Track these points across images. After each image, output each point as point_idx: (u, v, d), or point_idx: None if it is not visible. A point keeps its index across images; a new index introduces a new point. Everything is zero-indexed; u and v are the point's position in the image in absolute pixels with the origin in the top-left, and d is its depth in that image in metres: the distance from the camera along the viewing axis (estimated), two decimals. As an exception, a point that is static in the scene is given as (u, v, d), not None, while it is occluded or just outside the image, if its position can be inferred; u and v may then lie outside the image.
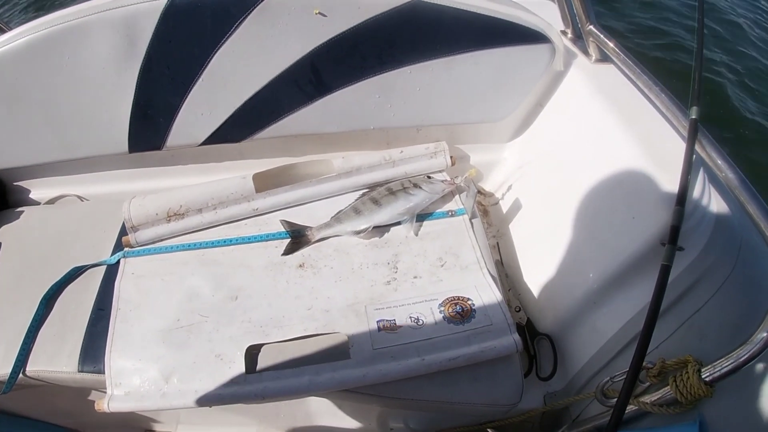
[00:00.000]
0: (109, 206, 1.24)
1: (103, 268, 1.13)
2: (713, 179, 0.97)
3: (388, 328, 0.97)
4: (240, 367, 0.94)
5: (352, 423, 1.24)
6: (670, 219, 0.87)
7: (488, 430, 1.12)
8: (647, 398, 0.87)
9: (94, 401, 0.94)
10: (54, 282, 1.09)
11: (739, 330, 0.82)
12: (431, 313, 1.00)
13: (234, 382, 0.93)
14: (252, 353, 0.96)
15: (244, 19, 1.07)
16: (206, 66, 1.12)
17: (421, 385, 0.96)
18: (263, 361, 0.96)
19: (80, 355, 0.99)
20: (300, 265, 1.09)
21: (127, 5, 1.05)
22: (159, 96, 1.15)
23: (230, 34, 1.08)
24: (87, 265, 1.13)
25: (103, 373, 0.96)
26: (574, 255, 1.14)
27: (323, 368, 0.93)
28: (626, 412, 0.89)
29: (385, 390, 0.96)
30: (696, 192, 0.94)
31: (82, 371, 0.98)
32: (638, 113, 1.11)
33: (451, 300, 1.03)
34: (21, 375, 0.97)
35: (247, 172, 1.17)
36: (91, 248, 1.17)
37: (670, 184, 0.93)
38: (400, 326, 0.98)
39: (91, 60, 1.10)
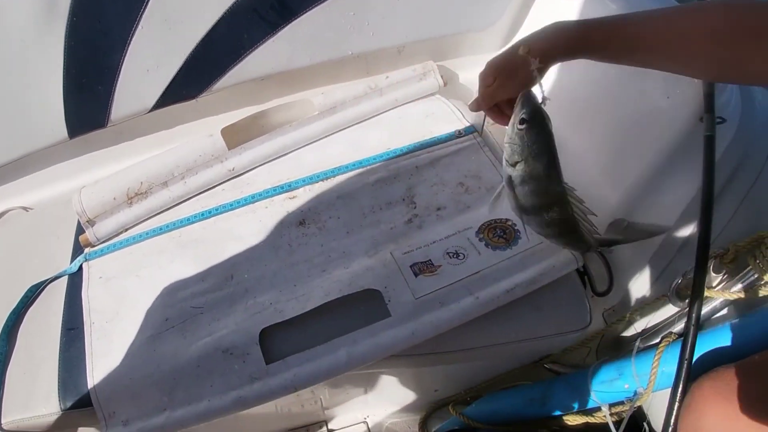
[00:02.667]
0: (57, 209, 0.97)
1: (65, 279, 0.86)
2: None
3: (427, 271, 0.74)
4: (257, 359, 0.70)
5: (390, 390, 1.02)
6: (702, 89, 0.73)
7: (544, 366, 0.92)
8: (728, 287, 0.73)
9: (90, 440, 0.71)
10: (11, 310, 0.82)
11: None
12: (470, 245, 0.77)
13: (254, 378, 0.69)
14: (268, 338, 0.72)
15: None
16: (144, 8, 0.85)
17: (477, 330, 0.74)
18: (285, 343, 0.72)
19: (59, 390, 0.74)
20: (300, 223, 0.83)
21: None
22: (93, 58, 0.88)
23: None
24: (45, 281, 0.86)
25: (91, 405, 0.71)
26: (603, 155, 0.93)
27: (360, 335, 0.70)
28: (712, 307, 0.76)
29: (438, 346, 0.74)
30: None
31: (66, 409, 0.73)
32: None
33: (489, 225, 0.80)
34: (-3, 430, 0.74)
35: (212, 130, 0.90)
36: (48, 261, 0.90)
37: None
38: (439, 266, 0.75)
39: (6, 36, 0.85)
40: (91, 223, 0.86)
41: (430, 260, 0.75)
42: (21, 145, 0.95)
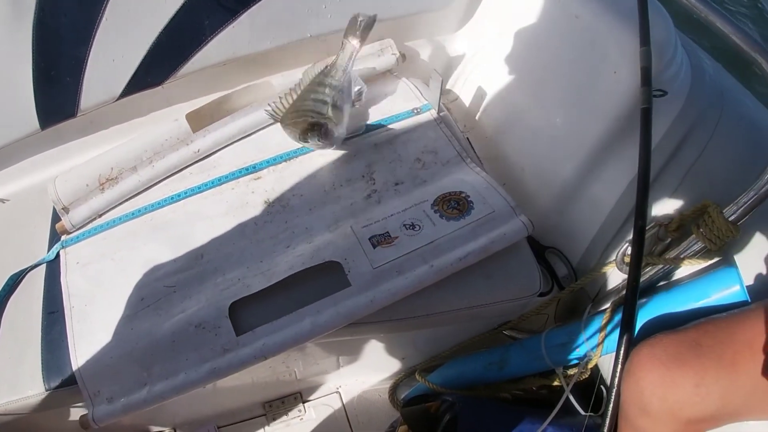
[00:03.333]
0: (33, 199, 1.00)
1: (43, 267, 0.90)
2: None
3: (384, 243, 0.79)
4: (228, 331, 0.75)
5: (361, 361, 1.07)
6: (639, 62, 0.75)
7: (504, 333, 0.97)
8: (673, 254, 0.76)
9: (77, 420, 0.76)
10: (-6, 299, 0.86)
11: (746, 166, 0.74)
12: (426, 216, 0.82)
13: (226, 349, 0.74)
14: (238, 311, 0.76)
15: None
16: (107, 2, 0.87)
17: (433, 297, 0.80)
18: (253, 316, 0.77)
19: (43, 371, 0.78)
20: (264, 202, 0.88)
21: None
22: (61, 51, 0.91)
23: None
24: (24, 270, 0.90)
25: (76, 384, 0.76)
26: (555, 129, 0.97)
27: (323, 304, 0.75)
28: (654, 273, 0.80)
29: (395, 313, 0.79)
30: (666, 36, 0.81)
31: (50, 389, 0.77)
32: None
33: (443, 197, 0.84)
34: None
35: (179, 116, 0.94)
36: (25, 251, 0.93)
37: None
38: (396, 237, 0.80)
39: None
40: (66, 210, 0.90)
41: (387, 232, 0.80)
42: None
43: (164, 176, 0.93)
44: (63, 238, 0.91)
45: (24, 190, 1.06)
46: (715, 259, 0.73)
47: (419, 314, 0.79)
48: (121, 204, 0.92)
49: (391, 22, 1.03)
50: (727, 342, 0.61)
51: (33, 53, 0.90)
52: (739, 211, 0.68)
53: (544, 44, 0.99)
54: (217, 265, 0.81)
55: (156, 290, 0.81)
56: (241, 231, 0.84)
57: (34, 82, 0.92)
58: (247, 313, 0.76)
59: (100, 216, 0.91)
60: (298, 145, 0.94)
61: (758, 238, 0.74)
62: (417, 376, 0.96)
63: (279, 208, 0.86)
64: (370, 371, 1.09)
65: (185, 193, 0.90)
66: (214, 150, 0.94)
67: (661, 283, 0.82)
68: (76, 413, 0.89)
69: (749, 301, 0.68)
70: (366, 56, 1.03)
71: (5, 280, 0.88)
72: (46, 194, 0.95)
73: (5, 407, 0.78)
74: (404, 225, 0.81)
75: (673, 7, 0.83)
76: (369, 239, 0.79)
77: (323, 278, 0.77)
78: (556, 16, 0.96)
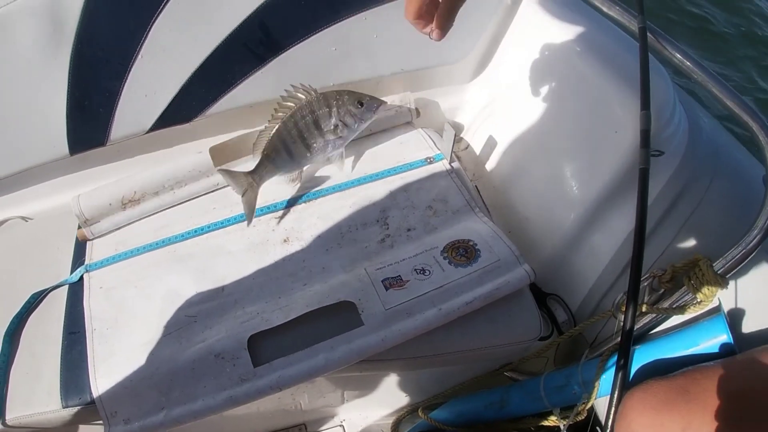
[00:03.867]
0: (57, 220, 1.04)
1: (65, 288, 0.94)
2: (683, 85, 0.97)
3: (396, 285, 0.84)
4: (246, 362, 0.79)
5: (365, 396, 1.12)
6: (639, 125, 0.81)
7: (505, 374, 1.03)
8: (666, 305, 0.81)
9: (94, 438, 0.79)
10: (14, 315, 0.89)
11: (736, 221, 0.79)
12: (436, 262, 0.88)
13: (243, 379, 0.79)
14: (256, 344, 0.81)
15: (181, -19, 0.89)
16: (144, 40, 0.93)
17: (439, 338, 0.84)
18: (270, 348, 0.81)
19: (61, 388, 0.82)
20: (284, 240, 0.93)
21: (47, -14, 0.86)
22: (95, 83, 0.96)
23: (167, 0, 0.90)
24: (47, 289, 0.94)
25: (93, 403, 0.79)
26: (559, 182, 1.03)
27: (337, 341, 0.80)
28: (648, 321, 0.86)
29: (404, 352, 0.83)
30: (665, 98, 0.88)
31: (67, 406, 0.81)
32: (593, 32, 1.01)
33: (453, 244, 0.90)
34: (1, 426, 0.81)
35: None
36: (47, 270, 0.97)
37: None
38: (407, 281, 0.85)
39: (13, 57, 0.92)
40: (88, 222, 0.96)
41: (399, 276, 0.86)
42: (23, 158, 1.02)
43: (183, 201, 1.00)
44: (87, 262, 0.95)
45: (48, 210, 1.11)
46: (705, 309, 0.78)
47: (427, 354, 0.84)
48: (145, 233, 0.97)
49: (407, 74, 1.11)
50: (711, 390, 0.66)
51: (69, 83, 0.96)
52: (728, 264, 0.73)
53: (551, 99, 1.06)
54: (237, 298, 0.86)
55: (178, 319, 0.85)
56: (261, 267, 0.90)
57: (67, 110, 0.98)
58: (264, 346, 0.81)
59: (119, 229, 0.98)
60: (318, 187, 1.00)
61: (745, 290, 0.78)
62: (420, 413, 1.00)
63: (297, 247, 0.92)
64: (374, 406, 1.13)
65: (208, 227, 0.96)
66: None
67: (654, 331, 0.88)
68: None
69: (736, 349, 0.73)
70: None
71: (27, 298, 0.91)
72: (70, 216, 1.00)
73: (19, 420, 0.81)
74: (415, 269, 0.86)
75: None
76: (382, 281, 0.85)
77: (338, 316, 0.82)
78: (565, 74, 1.03)
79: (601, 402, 0.87)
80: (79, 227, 0.99)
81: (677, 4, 3.30)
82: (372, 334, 0.80)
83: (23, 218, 1.12)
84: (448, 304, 0.83)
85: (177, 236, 0.95)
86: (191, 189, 1.02)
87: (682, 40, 3.00)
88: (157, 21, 0.93)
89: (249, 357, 0.80)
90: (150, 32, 0.94)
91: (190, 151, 1.07)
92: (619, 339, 0.87)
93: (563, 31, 1.03)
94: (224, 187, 1.03)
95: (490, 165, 1.18)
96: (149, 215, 1.01)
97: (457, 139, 1.22)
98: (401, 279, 0.85)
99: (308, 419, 1.15)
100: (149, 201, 1.00)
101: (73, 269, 0.96)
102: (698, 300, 0.76)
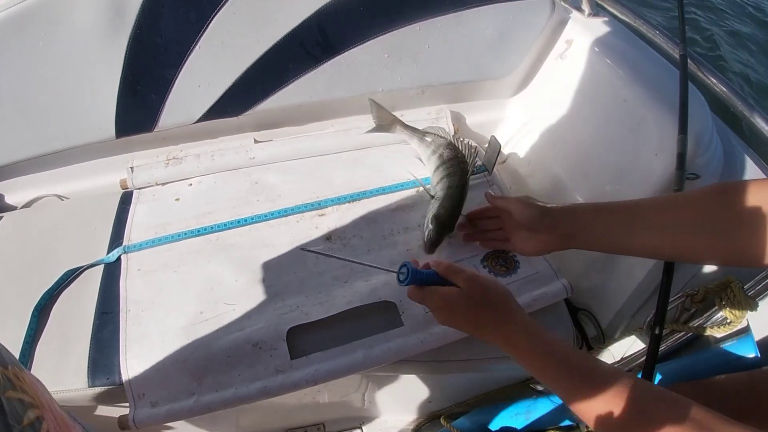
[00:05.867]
0: (94, 201, 1.08)
1: (101, 268, 0.96)
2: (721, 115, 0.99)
3: (437, 290, 0.87)
4: (283, 354, 0.82)
5: (386, 400, 1.13)
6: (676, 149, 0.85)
7: (530, 386, 1.05)
8: (697, 324, 0.85)
9: (115, 418, 0.80)
10: (45, 290, 0.91)
11: None
12: (476, 270, 0.90)
13: (279, 370, 0.81)
14: (294, 336, 0.84)
15: (245, -23, 0.94)
16: (204, 32, 0.98)
17: (476, 342, 0.86)
18: (309, 342, 0.84)
19: (88, 367, 0.83)
20: (327, 238, 0.97)
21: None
22: (150, 69, 1.00)
23: (230, -4, 0.94)
24: (82, 267, 0.96)
25: (120, 384, 0.81)
26: (596, 200, 1.06)
27: (376, 340, 0.83)
28: (678, 339, 0.89)
29: (440, 354, 0.86)
30: (703, 124, 0.91)
31: (93, 386, 0.82)
32: (636, 57, 1.07)
33: (493, 254, 0.94)
34: (22, 399, 0.81)
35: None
36: (83, 249, 0.99)
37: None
38: (448, 286, 0.88)
39: (71, 36, 0.95)
40: (132, 169, 1.05)
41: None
42: (70, 137, 1.05)
43: (218, 171, 1.09)
44: (125, 243, 0.98)
45: (84, 191, 1.15)
46: (734, 330, 0.81)
47: (462, 358, 0.87)
48: (187, 219, 1.00)
49: (453, 85, 1.16)
50: (744, 392, 0.70)
51: (123, 66, 1.00)
52: (759, 287, 0.77)
53: (592, 120, 1.10)
54: (277, 290, 0.89)
55: (216, 306, 0.88)
56: (303, 263, 0.93)
57: (118, 94, 1.02)
58: (303, 339, 0.84)
59: (162, 185, 1.07)
60: (361, 187, 1.05)
61: None
62: (442, 421, 1.02)
63: (340, 246, 0.95)
64: (395, 410, 1.15)
65: (252, 219, 0.99)
66: (267, 163, 1.10)
67: (683, 349, 0.90)
68: (115, 413, 0.94)
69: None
70: (419, 121, 1.15)
71: (60, 275, 0.93)
72: (108, 197, 1.04)
73: None
74: (456, 276, 0.90)
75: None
76: (423, 285, 0.88)
77: (378, 316, 0.85)
78: (606, 97, 1.07)
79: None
80: (120, 223, 1.03)
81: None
82: (411, 335, 0.83)
83: (59, 197, 1.15)
84: (486, 312, 0.86)
85: (220, 225, 0.98)
86: (229, 160, 1.08)
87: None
88: (218, 14, 0.98)
89: (287, 349, 0.82)
90: (210, 24, 0.98)
91: (234, 143, 1.12)
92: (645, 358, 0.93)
93: (607, 54, 1.08)
94: (260, 165, 1.10)
95: (528, 180, 1.22)
96: (186, 178, 1.08)
97: (500, 160, 1.27)
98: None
99: (327, 419, 1.16)
100: (189, 163, 1.06)
101: (110, 250, 0.98)
102: (728, 321, 0.79)
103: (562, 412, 0.93)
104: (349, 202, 1.02)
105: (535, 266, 0.92)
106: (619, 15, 1.16)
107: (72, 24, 0.95)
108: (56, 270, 0.95)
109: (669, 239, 0.67)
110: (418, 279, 0.73)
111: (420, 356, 0.85)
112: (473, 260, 0.93)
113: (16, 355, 0.84)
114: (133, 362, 0.83)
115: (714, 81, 0.97)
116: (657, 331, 0.75)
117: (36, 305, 0.90)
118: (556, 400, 0.95)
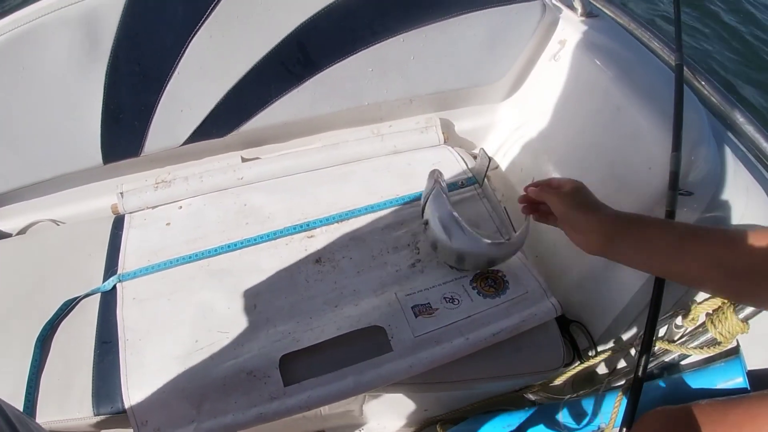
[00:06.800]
0: (88, 226, 1.10)
1: (98, 296, 0.99)
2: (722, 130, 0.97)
3: (425, 313, 0.90)
4: (277, 381, 0.85)
5: (385, 408, 1.16)
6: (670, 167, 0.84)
7: (524, 395, 1.08)
8: (687, 342, 0.86)
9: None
10: (46, 321, 0.94)
11: None
12: (464, 291, 0.93)
13: (273, 397, 0.84)
14: (287, 363, 0.86)
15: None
16: (181, 57, 0.98)
17: (466, 365, 0.89)
18: (301, 369, 0.86)
19: (93, 396, 0.87)
20: (316, 261, 0.99)
21: (84, -1, 0.90)
22: (131, 97, 1.01)
23: (205, 18, 0.94)
24: (80, 297, 0.99)
25: (123, 411, 0.84)
26: None
27: (366, 366, 0.85)
28: (667, 357, 0.92)
29: (430, 377, 0.88)
30: (699, 136, 0.90)
31: (99, 414, 0.85)
32: (631, 61, 1.04)
33: (482, 274, 0.95)
34: (31, 430, 0.85)
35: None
36: (79, 276, 1.02)
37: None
38: (437, 309, 0.90)
39: (50, 67, 0.96)
40: (122, 195, 1.07)
41: (429, 303, 0.90)
42: (57, 165, 1.07)
43: (207, 192, 1.11)
44: (120, 271, 1.01)
45: (79, 215, 1.17)
46: (724, 350, 0.82)
47: (452, 379, 0.90)
48: (178, 245, 1.02)
49: (441, 94, 1.15)
50: (718, 422, 0.70)
51: (104, 95, 1.01)
52: (750, 309, 0.76)
53: (585, 127, 1.09)
54: (269, 316, 0.92)
55: (210, 334, 0.90)
56: (294, 287, 0.95)
57: (102, 122, 1.03)
58: (295, 366, 0.86)
59: (152, 208, 1.09)
60: (350, 206, 1.06)
61: (765, 335, 0.80)
62: (438, 428, 1.05)
63: (329, 268, 0.97)
64: (393, 418, 1.18)
65: (241, 243, 1.01)
66: (255, 181, 1.12)
67: (673, 367, 0.92)
68: (119, 439, 0.99)
69: (750, 390, 0.78)
70: (408, 131, 1.15)
71: (57, 301, 0.96)
72: (101, 221, 1.06)
73: (50, 425, 0.86)
74: (444, 298, 0.91)
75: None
76: (412, 308, 0.90)
77: (367, 341, 0.88)
78: (599, 104, 1.05)
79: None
80: (114, 250, 1.05)
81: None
82: (400, 360, 0.85)
83: (54, 221, 1.17)
84: (475, 334, 0.88)
85: (210, 250, 1.00)
86: (217, 180, 1.10)
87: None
88: (194, 38, 0.98)
89: (280, 376, 0.85)
90: (187, 49, 0.99)
91: (221, 162, 1.13)
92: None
93: (600, 58, 1.06)
94: (248, 184, 1.11)
95: (519, 188, 1.22)
96: (176, 201, 1.10)
97: (492, 167, 1.27)
98: (431, 307, 0.90)
99: (327, 426, 1.20)
100: (178, 186, 1.09)
101: (106, 278, 1.01)
102: (718, 341, 0.80)
103: (555, 424, 0.95)
104: (337, 222, 1.04)
105: (524, 285, 0.93)
106: (612, 15, 1.13)
107: (50, 56, 0.96)
108: (54, 299, 0.97)
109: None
110: None
111: (411, 379, 0.87)
112: (462, 281, 0.94)
113: (23, 387, 0.87)
114: (135, 390, 0.86)
115: (712, 92, 0.95)
116: (646, 350, 0.77)
117: (38, 336, 0.92)
118: (549, 413, 0.98)
